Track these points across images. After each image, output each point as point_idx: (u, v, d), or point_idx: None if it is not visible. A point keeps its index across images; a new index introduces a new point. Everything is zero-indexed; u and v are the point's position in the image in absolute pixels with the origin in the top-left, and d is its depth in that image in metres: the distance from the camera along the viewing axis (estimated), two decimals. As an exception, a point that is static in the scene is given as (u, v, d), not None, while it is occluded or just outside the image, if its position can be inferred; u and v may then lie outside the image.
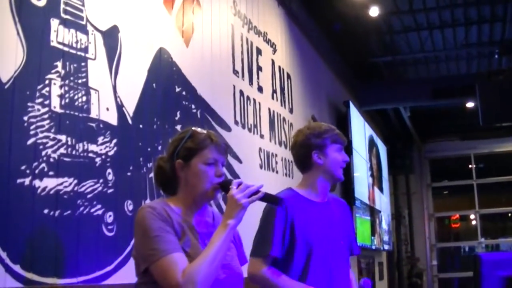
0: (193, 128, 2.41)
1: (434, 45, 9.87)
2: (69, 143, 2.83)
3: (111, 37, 3.29)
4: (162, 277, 2.15)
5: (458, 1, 8.45)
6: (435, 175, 14.62)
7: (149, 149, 3.51)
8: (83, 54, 3.03)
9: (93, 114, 3.05)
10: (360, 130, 9.91)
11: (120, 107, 3.28)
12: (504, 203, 14.14)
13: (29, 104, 2.63)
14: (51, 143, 2.72)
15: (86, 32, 3.07)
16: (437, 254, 14.21)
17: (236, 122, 4.95)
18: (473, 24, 9.16)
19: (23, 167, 2.55)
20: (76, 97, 2.93)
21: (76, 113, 2.92)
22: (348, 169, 8.70)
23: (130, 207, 3.21)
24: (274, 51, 6.21)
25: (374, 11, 8.18)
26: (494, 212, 14.25)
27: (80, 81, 2.97)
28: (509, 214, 14.43)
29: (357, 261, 9.36)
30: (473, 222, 14.47)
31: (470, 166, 14.26)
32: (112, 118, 3.20)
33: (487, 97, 9.36)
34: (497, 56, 9.97)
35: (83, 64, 3.02)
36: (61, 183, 2.74)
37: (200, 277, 2.13)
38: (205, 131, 2.42)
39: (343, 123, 8.89)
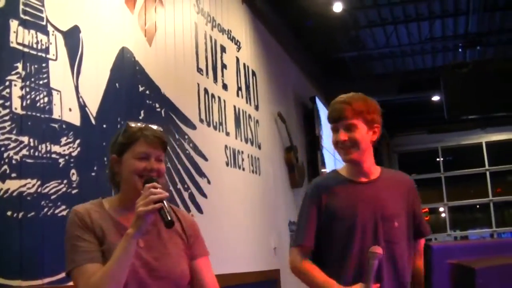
0: (128, 121, 2.37)
1: (399, 39, 9.96)
2: (32, 144, 2.82)
3: (72, 37, 3.27)
4: (75, 286, 2.18)
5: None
6: (403, 168, 14.67)
7: (113, 149, 3.50)
8: (43, 54, 3.02)
9: (56, 115, 3.04)
10: (328, 125, 9.93)
11: (83, 107, 3.28)
12: (472, 195, 14.32)
13: (-11, 106, 2.62)
14: (13, 144, 2.71)
15: (46, 33, 3.06)
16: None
17: (201, 120, 4.95)
18: (437, 18, 9.27)
19: (-16, 169, 2.54)
20: (37, 98, 2.91)
21: (38, 114, 2.90)
22: (316, 165, 8.75)
23: (95, 208, 3.20)
24: (239, 48, 6.22)
25: (337, 7, 8.23)
26: (462, 204, 14.41)
27: (41, 82, 2.96)
28: (477, 206, 14.59)
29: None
30: (442, 215, 14.62)
31: (437, 159, 14.41)
32: (75, 118, 3.19)
33: (451, 91, 9.49)
34: (461, 49, 10.08)
35: (44, 65, 3.00)
36: (24, 185, 2.73)
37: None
38: (139, 124, 2.37)
39: (310, 119, 8.94)
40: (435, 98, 11.38)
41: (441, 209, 14.64)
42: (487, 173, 14.00)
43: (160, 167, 2.32)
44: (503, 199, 14.19)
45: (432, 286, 1.57)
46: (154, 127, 2.39)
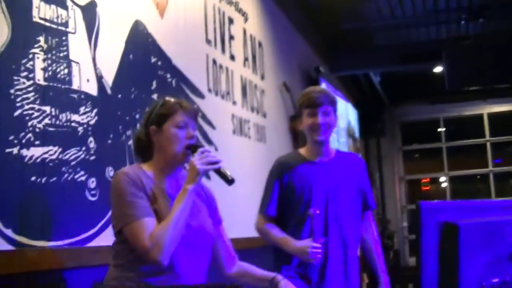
0: (165, 97, 2.60)
1: (404, 11, 10.02)
2: (53, 113, 2.99)
3: (89, 12, 3.43)
4: (133, 240, 2.38)
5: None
6: (405, 138, 14.87)
7: (127, 118, 3.68)
8: (63, 28, 3.17)
9: (75, 86, 3.20)
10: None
11: (99, 78, 3.44)
12: (472, 165, 14.44)
13: (15, 77, 2.78)
14: (36, 114, 2.87)
15: (66, 8, 3.21)
16: (408, 216, 14.52)
17: (209, 90, 5.11)
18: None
19: (11, 138, 2.71)
20: (58, 70, 3.07)
21: (59, 85, 3.07)
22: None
23: (111, 173, 3.38)
24: (246, 19, 6.35)
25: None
26: (463, 174, 14.56)
27: (61, 54, 3.12)
28: (478, 176, 14.72)
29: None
30: (443, 185, 14.78)
31: (439, 129, 14.53)
32: (92, 89, 3.36)
33: (453, 62, 9.58)
34: (464, 22, 10.15)
35: (64, 38, 3.16)
36: (47, 152, 2.91)
37: (165, 240, 2.34)
38: (175, 99, 2.66)
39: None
40: (438, 69, 11.49)
41: (442, 178, 14.79)
42: (488, 143, 14.12)
43: (196, 134, 2.61)
44: (503, 169, 14.35)
45: (421, 242, 1.73)
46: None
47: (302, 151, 3.66)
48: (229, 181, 2.55)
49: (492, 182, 14.11)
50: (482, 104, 13.86)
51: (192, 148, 2.56)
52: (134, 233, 2.37)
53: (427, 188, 15.56)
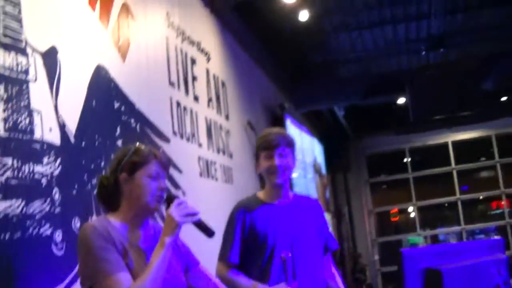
0: (138, 144, 2.51)
1: (364, 44, 10.10)
2: (15, 165, 2.87)
3: (50, 58, 3.32)
4: None
5: (385, 2, 8.67)
6: (372, 170, 14.91)
7: (92, 166, 3.56)
8: (24, 76, 3.07)
9: (37, 135, 3.08)
10: (296, 131, 10.06)
11: (62, 126, 3.33)
12: (440, 194, 14.52)
13: (-26, 130, 2.67)
14: (-3, 167, 2.76)
15: (25, 54, 3.10)
16: (379, 249, 14.50)
17: (174, 133, 5.02)
18: (401, 22, 9.42)
19: (-29, 193, 2.59)
20: (19, 119, 2.96)
21: (21, 136, 2.95)
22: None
23: (78, 224, 3.26)
24: (208, 59, 6.30)
25: (303, 15, 8.33)
26: (431, 204, 14.60)
27: (22, 103, 3.01)
28: (446, 204, 14.79)
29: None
30: (411, 215, 14.82)
31: (405, 160, 14.59)
32: (55, 138, 3.24)
33: (416, 93, 9.66)
34: (425, 52, 10.25)
35: (24, 86, 3.05)
36: (10, 206, 2.78)
37: None
38: (148, 147, 2.55)
39: (280, 126, 9.00)
40: (401, 100, 11.56)
41: (410, 209, 14.82)
42: (454, 171, 14.21)
43: (167, 186, 2.58)
44: (471, 196, 14.42)
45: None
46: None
47: (261, 194, 3.54)
48: (209, 233, 2.52)
49: (460, 209, 14.17)
50: (447, 133, 13.98)
51: (168, 199, 2.48)
52: None
53: (396, 219, 15.59)
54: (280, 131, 3.58)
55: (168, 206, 2.48)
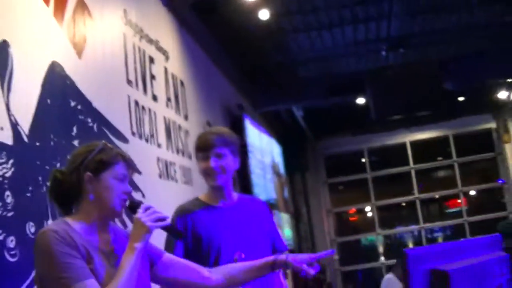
0: (103, 142, 2.37)
1: (324, 44, 10.03)
2: (-36, 167, 2.69)
3: (1, 53, 3.15)
4: None
5: (345, 2, 8.61)
6: (330, 171, 14.88)
7: (47, 167, 3.38)
8: (-28, 72, 2.89)
9: (-13, 135, 2.91)
10: (255, 132, 9.97)
11: (14, 125, 3.15)
12: (398, 194, 14.56)
13: None
14: None
15: (-26, 49, 2.93)
16: (338, 248, 14.48)
17: (133, 133, 4.87)
18: (360, 22, 9.36)
19: None
20: (-32, 118, 2.79)
21: (-31, 135, 2.78)
22: (245, 171, 8.72)
23: (32, 229, 3.09)
24: (167, 58, 6.15)
25: (264, 14, 8.21)
26: (389, 203, 14.63)
27: (-29, 101, 2.83)
28: (403, 204, 14.84)
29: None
30: (369, 214, 14.84)
31: (363, 160, 14.60)
32: (7, 137, 3.07)
33: (376, 93, 9.65)
34: (385, 52, 10.23)
35: (-27, 83, 2.88)
36: (-42, 211, 2.60)
37: None
38: (114, 147, 2.41)
39: (238, 126, 8.91)
40: (360, 101, 11.53)
41: (368, 208, 14.83)
42: (412, 171, 14.26)
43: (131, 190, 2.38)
44: (429, 196, 14.49)
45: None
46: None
47: (202, 197, 3.42)
48: (178, 236, 2.53)
49: (419, 208, 14.23)
50: (405, 133, 14.01)
51: (134, 204, 2.34)
52: None
53: (354, 218, 15.61)
54: (217, 131, 3.46)
55: (131, 210, 2.34)
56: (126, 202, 2.35)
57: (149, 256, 2.47)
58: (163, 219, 2.33)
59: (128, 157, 2.39)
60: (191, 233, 3.23)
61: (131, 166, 2.39)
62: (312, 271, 2.67)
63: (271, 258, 2.69)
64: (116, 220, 3.49)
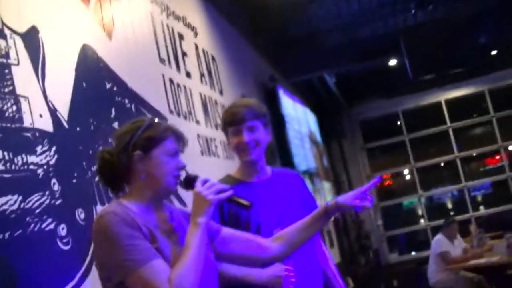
0: (150, 117, 2.27)
1: (350, 9, 9.82)
2: (6, 158, 2.60)
3: (31, 39, 3.05)
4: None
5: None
6: (367, 136, 14.69)
7: (90, 152, 3.29)
8: (5, 60, 2.79)
9: (27, 123, 2.81)
10: (289, 102, 9.85)
11: (53, 112, 3.06)
12: (436, 154, 14.33)
13: (-43, 122, 2.40)
14: (-13, 161, 2.49)
15: (4, 36, 2.83)
16: (381, 213, 14.33)
17: (171, 111, 4.77)
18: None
19: (-38, 192, 2.32)
20: (5, 107, 2.69)
21: (9, 125, 2.68)
22: (284, 142, 8.62)
23: (82, 216, 3.01)
24: (196, 34, 6.03)
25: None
26: (428, 164, 14.41)
27: (6, 89, 2.74)
28: (442, 164, 14.60)
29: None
30: (407, 177, 14.66)
31: (399, 122, 14.39)
32: (47, 125, 2.97)
33: (412, 52, 9.46)
34: (413, 11, 10.00)
35: (6, 71, 2.78)
36: (6, 202, 2.51)
37: (189, 282, 1.99)
38: (162, 121, 2.30)
39: (272, 98, 8.80)
40: (392, 62, 11.31)
41: (406, 171, 14.63)
42: (450, 130, 14.02)
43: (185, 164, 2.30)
44: (468, 153, 14.24)
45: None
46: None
47: (235, 173, 3.30)
48: (246, 207, 2.33)
49: (460, 167, 14.00)
50: (439, 92, 13.75)
51: (191, 179, 2.26)
52: (144, 281, 1.97)
53: (390, 182, 15.40)
54: (246, 103, 3.27)
55: (188, 185, 2.24)
56: (181, 177, 2.25)
57: (208, 233, 2.36)
58: (224, 190, 2.22)
59: (178, 131, 2.29)
60: (227, 212, 3.11)
61: (182, 140, 2.29)
62: (368, 203, 2.67)
63: (321, 207, 2.60)
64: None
